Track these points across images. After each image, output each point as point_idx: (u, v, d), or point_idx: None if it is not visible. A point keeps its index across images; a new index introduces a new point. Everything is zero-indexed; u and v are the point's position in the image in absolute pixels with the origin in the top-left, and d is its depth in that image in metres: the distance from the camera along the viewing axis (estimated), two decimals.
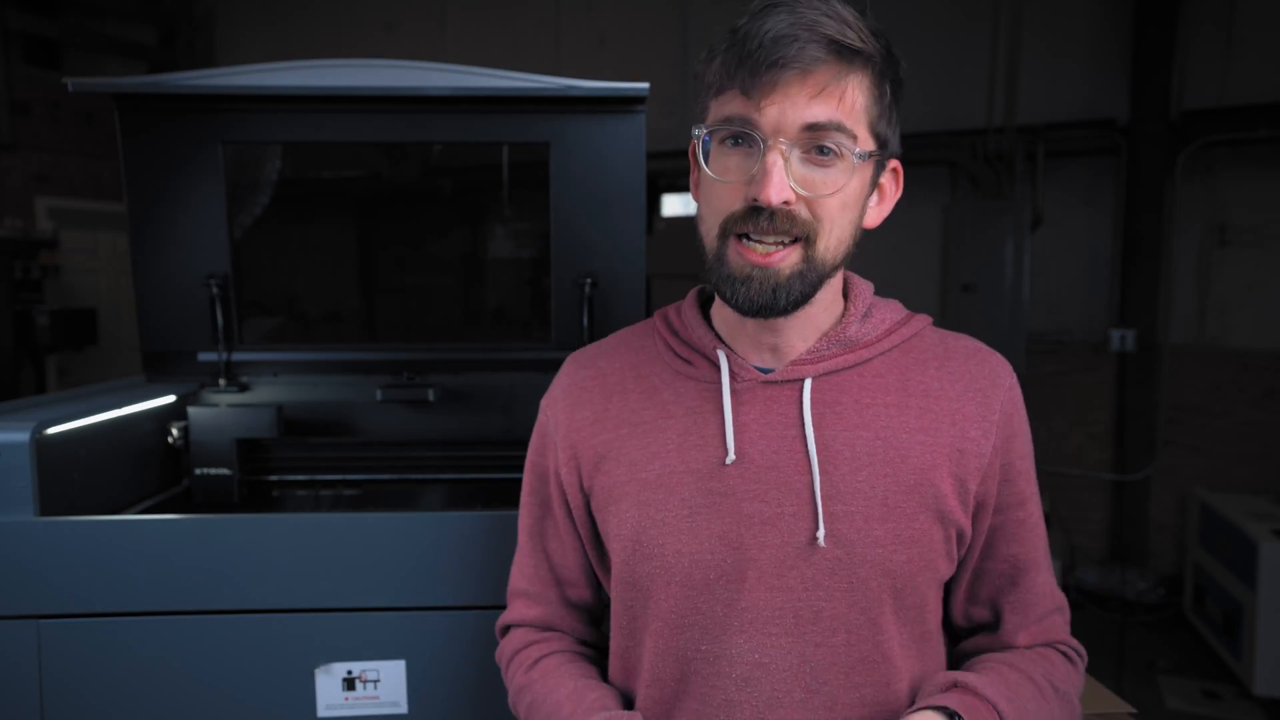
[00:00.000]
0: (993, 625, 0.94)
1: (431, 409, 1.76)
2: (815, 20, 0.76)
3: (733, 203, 0.80)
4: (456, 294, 2.10)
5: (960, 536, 0.88)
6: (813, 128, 0.77)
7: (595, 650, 1.03)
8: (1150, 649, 3.89)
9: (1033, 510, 0.91)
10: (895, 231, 5.23)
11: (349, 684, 1.30)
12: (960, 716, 0.79)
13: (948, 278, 4.42)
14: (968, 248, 4.31)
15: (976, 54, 4.71)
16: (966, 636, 0.97)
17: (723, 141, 0.81)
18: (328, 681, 1.29)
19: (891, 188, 0.88)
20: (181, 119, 1.66)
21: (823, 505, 0.83)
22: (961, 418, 0.86)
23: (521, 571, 1.02)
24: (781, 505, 0.84)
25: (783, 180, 0.77)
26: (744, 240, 0.80)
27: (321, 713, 1.30)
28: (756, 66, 0.76)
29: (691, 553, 0.85)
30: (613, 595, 0.93)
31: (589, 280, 1.70)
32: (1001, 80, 4.60)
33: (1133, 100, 4.42)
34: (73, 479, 1.37)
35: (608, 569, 0.95)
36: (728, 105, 0.80)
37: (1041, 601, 0.93)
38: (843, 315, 0.90)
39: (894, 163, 0.87)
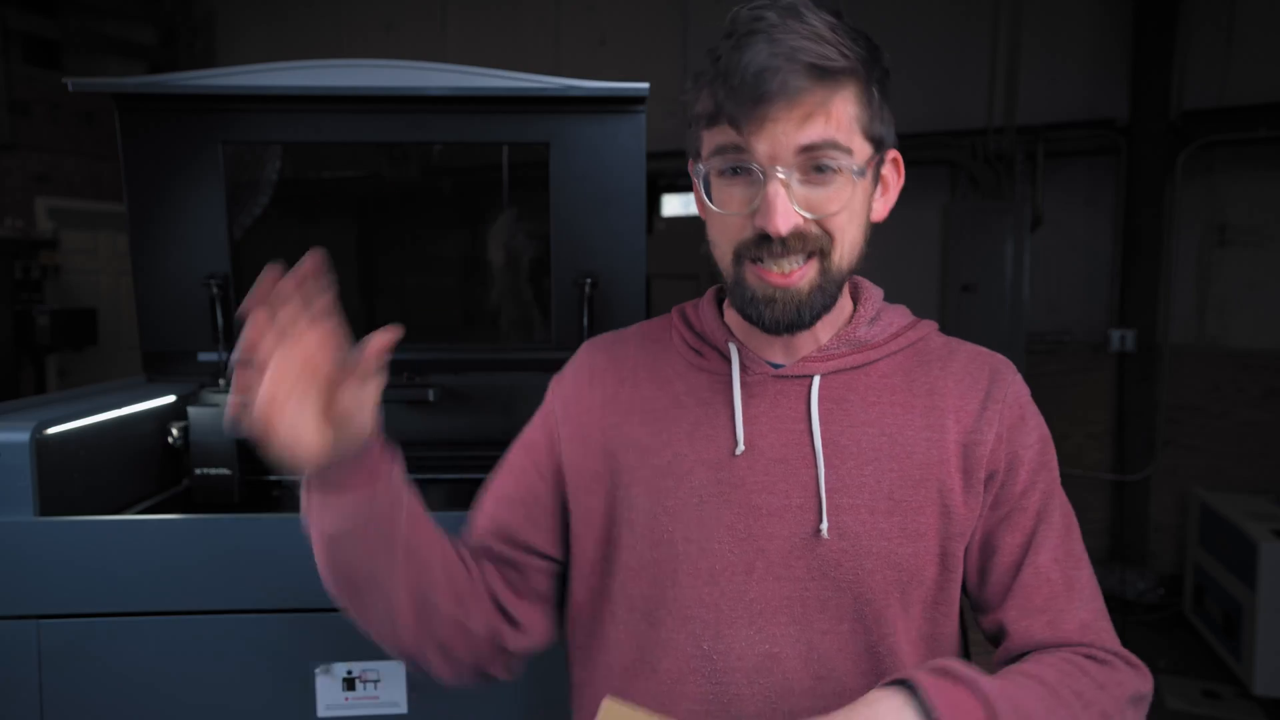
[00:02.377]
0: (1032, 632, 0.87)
1: (431, 409, 1.76)
2: (794, 47, 0.76)
3: (742, 231, 0.82)
4: (456, 294, 2.10)
5: (968, 524, 0.88)
6: (807, 149, 0.78)
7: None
8: (1150, 649, 3.89)
9: (1035, 500, 0.88)
10: (895, 231, 5.24)
11: (349, 684, 1.30)
12: (921, 691, 0.71)
13: (948, 278, 4.42)
14: (968, 248, 4.31)
15: (976, 54, 4.71)
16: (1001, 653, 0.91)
17: (721, 173, 0.82)
18: (328, 681, 1.29)
19: (894, 178, 0.89)
20: (181, 119, 1.66)
21: (829, 498, 0.85)
22: (965, 414, 0.88)
23: (479, 530, 0.99)
24: (789, 497, 0.85)
25: (788, 208, 0.78)
26: (759, 263, 0.82)
27: (321, 713, 1.30)
28: (742, 101, 0.77)
29: (700, 540, 0.86)
30: (617, 586, 0.91)
31: (589, 280, 1.70)
32: (1001, 80, 4.60)
33: (1133, 100, 4.42)
34: (73, 479, 1.37)
35: (581, 554, 0.94)
36: (720, 138, 0.81)
37: (1046, 587, 0.86)
38: (853, 316, 0.92)
39: (892, 153, 0.88)
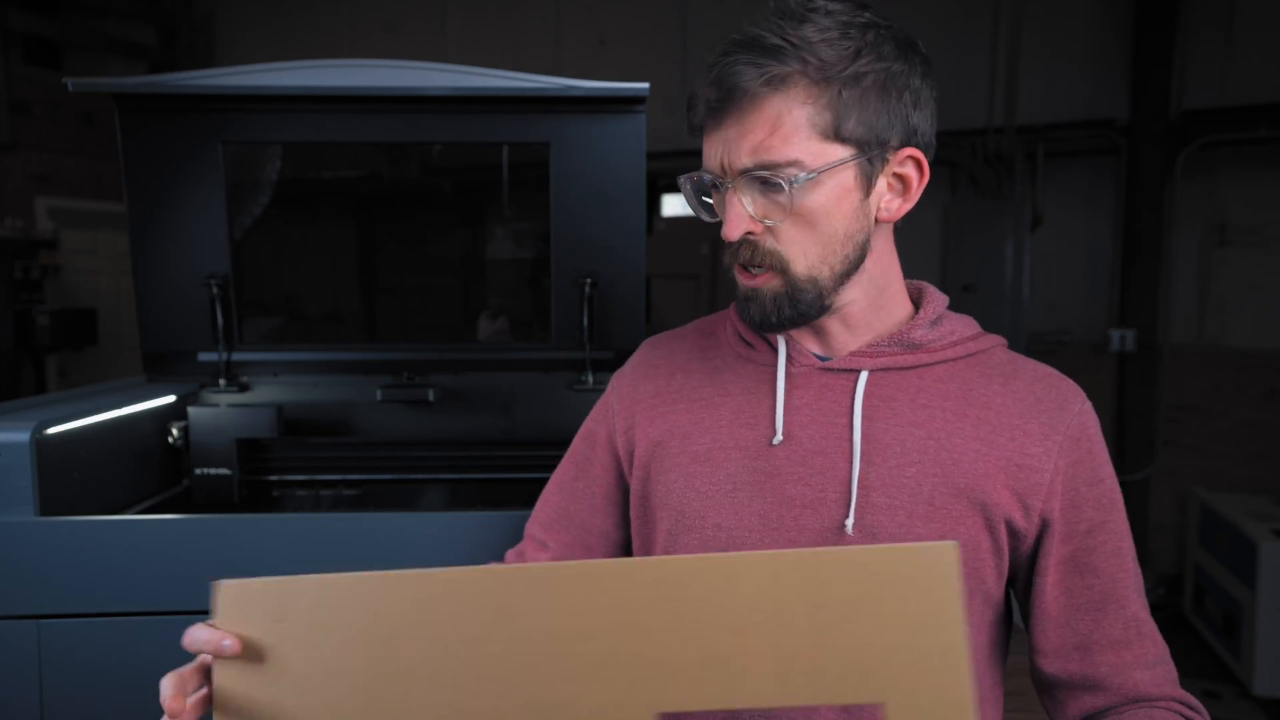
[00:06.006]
0: (1093, 682, 0.86)
1: (431, 409, 1.76)
2: (740, 57, 0.78)
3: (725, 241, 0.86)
4: (456, 294, 2.10)
5: (1015, 554, 0.85)
6: (745, 172, 0.80)
7: None
8: None
9: (1106, 539, 0.85)
10: (895, 231, 5.20)
11: None
12: None
13: (948, 278, 4.42)
14: (968, 248, 4.31)
15: (976, 54, 4.71)
16: (1068, 698, 0.88)
17: (709, 183, 0.86)
18: None
19: (915, 176, 0.85)
20: (181, 119, 1.66)
21: (862, 495, 0.83)
22: (1022, 434, 0.84)
23: (538, 519, 1.07)
24: (824, 490, 0.84)
25: (737, 215, 0.81)
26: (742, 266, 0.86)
27: None
28: (695, 114, 0.82)
29: (730, 528, 0.87)
30: None
31: (589, 280, 1.70)
32: (1001, 80, 4.60)
33: (1132, 100, 4.42)
34: (73, 479, 1.37)
35: (634, 537, 0.98)
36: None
37: (1142, 641, 0.85)
38: (911, 319, 0.91)
39: (909, 151, 0.84)
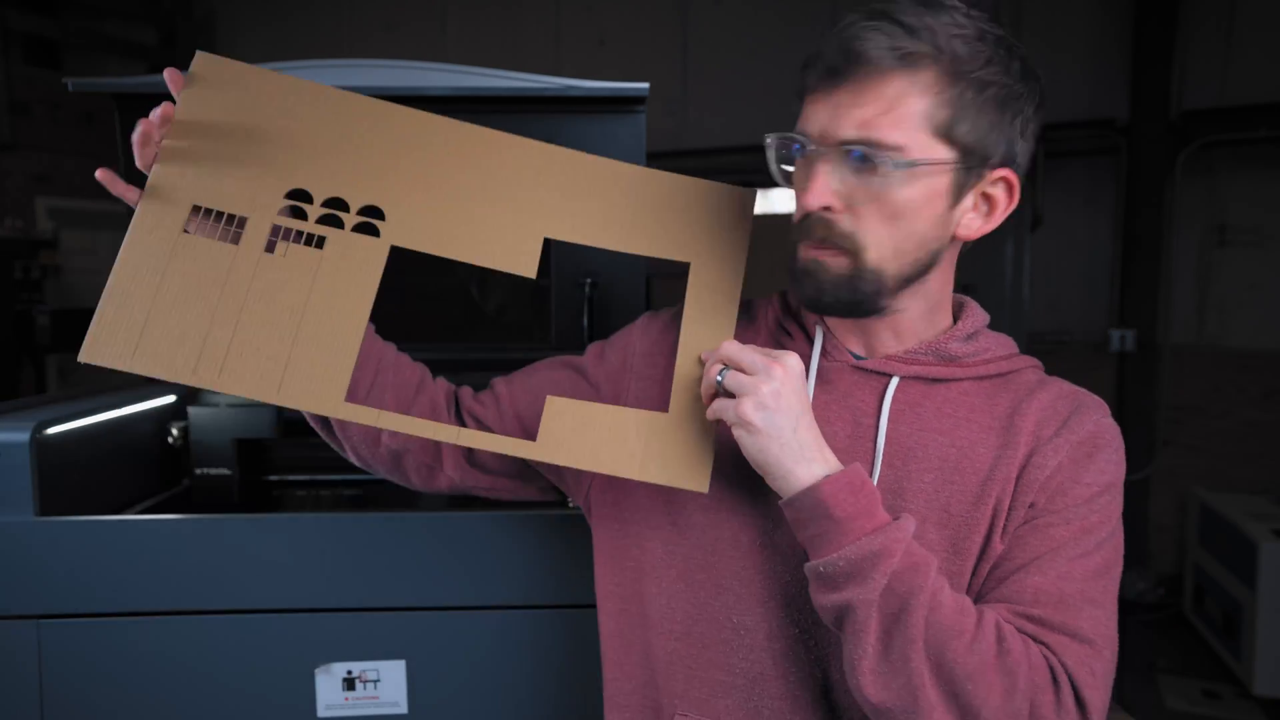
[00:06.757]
0: None
1: None
2: (877, 26, 0.75)
3: (798, 212, 0.83)
4: (456, 294, 2.10)
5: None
6: (846, 143, 0.77)
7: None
8: (1150, 649, 3.89)
9: (1053, 527, 0.81)
10: None
11: (349, 684, 1.30)
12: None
13: None
14: (967, 247, 4.31)
15: None
16: None
17: (794, 152, 0.83)
18: (328, 681, 1.29)
19: (1003, 199, 0.84)
20: None
21: (879, 497, 0.82)
22: (1039, 440, 0.84)
23: (503, 379, 1.03)
24: None
25: (823, 185, 0.78)
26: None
27: (321, 713, 1.30)
28: (811, 75, 0.79)
29: (745, 515, 0.87)
30: (661, 541, 0.92)
31: (589, 280, 1.70)
32: None
33: (1132, 100, 4.42)
34: (73, 479, 1.37)
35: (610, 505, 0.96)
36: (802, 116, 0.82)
37: (1039, 604, 0.79)
38: (948, 331, 0.90)
39: (1002, 172, 0.82)
